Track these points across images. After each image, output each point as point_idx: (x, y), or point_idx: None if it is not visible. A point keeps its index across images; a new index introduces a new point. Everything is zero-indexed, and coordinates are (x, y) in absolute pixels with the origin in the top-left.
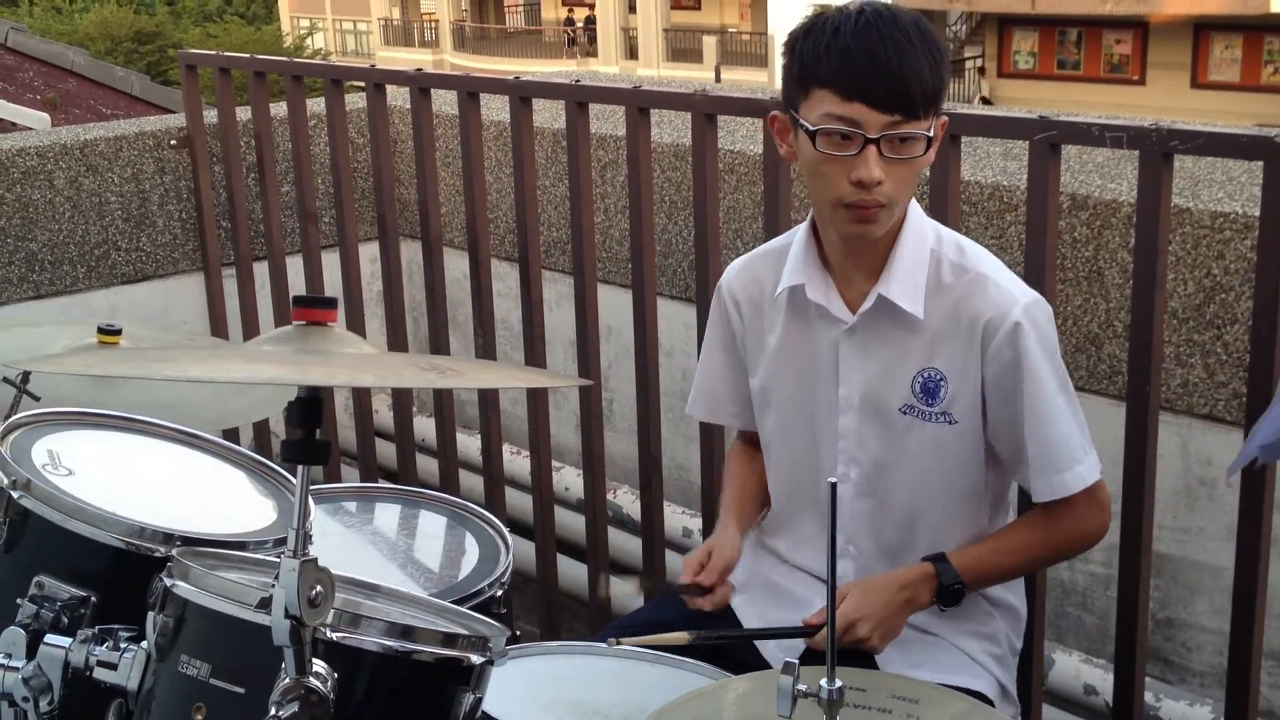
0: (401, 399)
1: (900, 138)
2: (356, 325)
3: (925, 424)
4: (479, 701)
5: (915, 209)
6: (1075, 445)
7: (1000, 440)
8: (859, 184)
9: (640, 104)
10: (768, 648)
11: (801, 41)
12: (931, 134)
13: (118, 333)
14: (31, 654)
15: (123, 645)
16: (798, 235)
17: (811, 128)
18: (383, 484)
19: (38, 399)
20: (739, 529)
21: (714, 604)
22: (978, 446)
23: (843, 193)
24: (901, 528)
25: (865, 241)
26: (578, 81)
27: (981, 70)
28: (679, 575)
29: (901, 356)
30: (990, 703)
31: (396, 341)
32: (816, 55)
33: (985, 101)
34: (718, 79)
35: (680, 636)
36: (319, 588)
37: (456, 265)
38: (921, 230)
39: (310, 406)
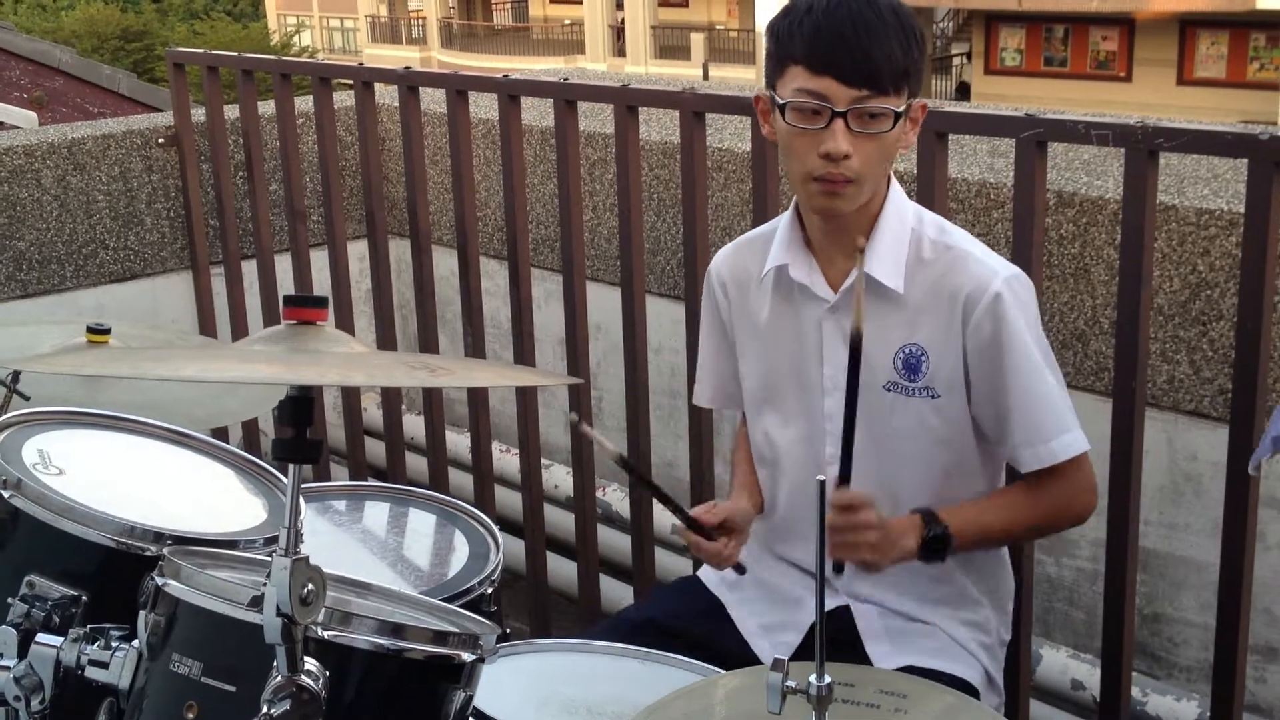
0: (391, 397)
1: (869, 113)
2: (345, 324)
3: (909, 399)
4: (470, 699)
5: (897, 191)
6: (1062, 415)
7: (984, 414)
8: (827, 156)
9: (628, 102)
10: (756, 642)
11: (780, 22)
12: (901, 110)
13: (107, 332)
14: (23, 653)
15: (114, 644)
16: (783, 219)
17: (783, 101)
18: (372, 482)
19: (27, 398)
20: (750, 502)
21: (715, 555)
22: (964, 420)
23: (812, 166)
24: (896, 506)
25: (836, 216)
26: (566, 80)
27: (968, 56)
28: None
29: (882, 333)
30: (975, 691)
31: (385, 340)
32: (791, 33)
33: (962, 85)
34: (705, 76)
35: (611, 450)
36: (310, 586)
37: (445, 263)
38: (903, 211)
39: (301, 405)
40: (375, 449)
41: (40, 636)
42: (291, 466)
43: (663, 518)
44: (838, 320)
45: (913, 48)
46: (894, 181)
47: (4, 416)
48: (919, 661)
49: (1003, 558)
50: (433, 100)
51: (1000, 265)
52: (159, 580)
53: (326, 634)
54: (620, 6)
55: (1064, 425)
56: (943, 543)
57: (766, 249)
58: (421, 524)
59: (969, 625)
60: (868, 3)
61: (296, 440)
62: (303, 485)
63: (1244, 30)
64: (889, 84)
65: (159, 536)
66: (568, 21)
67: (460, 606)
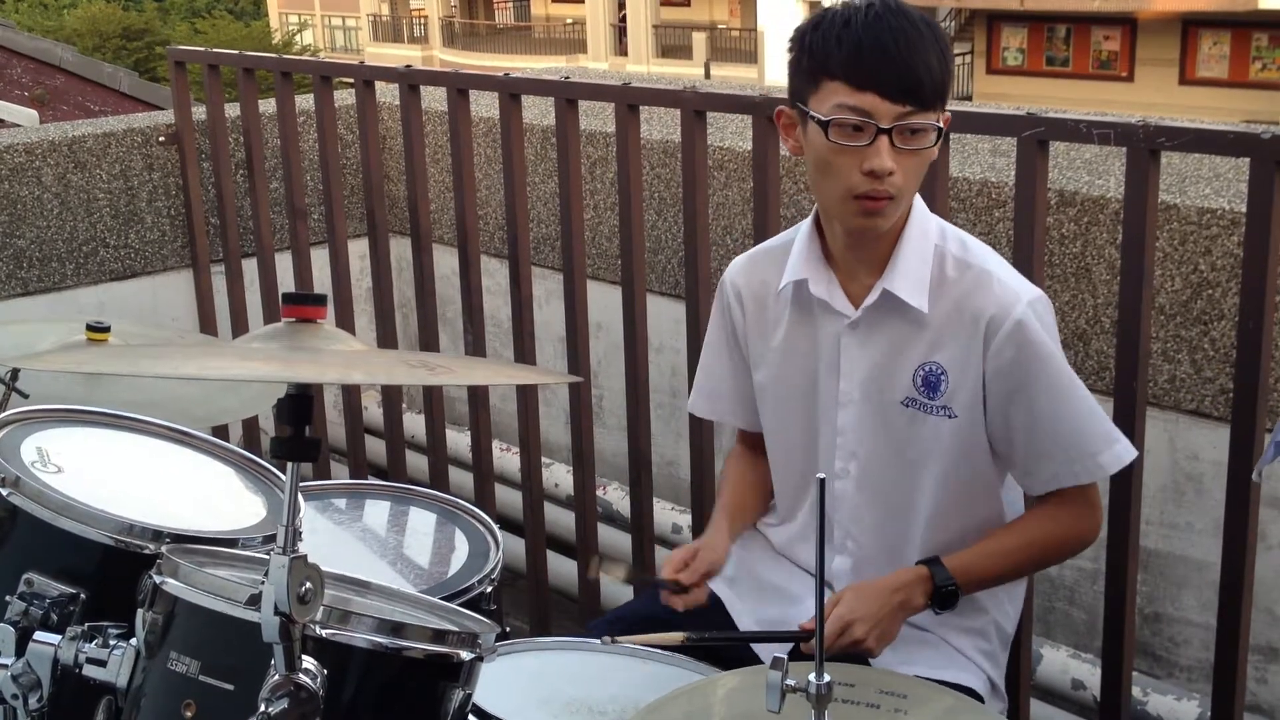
0: (391, 396)
1: (911, 129)
2: (346, 322)
3: (927, 417)
4: (469, 698)
5: (920, 205)
6: (1095, 436)
7: (997, 435)
8: (871, 174)
9: (629, 101)
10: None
11: (811, 34)
12: (941, 125)
13: (107, 330)
14: (21, 651)
15: (112, 642)
16: (801, 231)
17: (824, 119)
18: (372, 481)
19: (26, 396)
20: (730, 533)
21: (687, 604)
22: (979, 441)
23: (854, 183)
24: (902, 522)
25: (872, 235)
26: (567, 78)
27: (970, 55)
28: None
29: (902, 350)
30: (980, 698)
31: (386, 338)
32: (828, 48)
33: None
34: (707, 75)
35: (674, 637)
36: (308, 584)
37: (446, 262)
38: (926, 226)
39: (300, 404)
40: (376, 447)
41: (38, 634)
42: (290, 465)
43: (662, 516)
44: (857, 335)
45: (946, 59)
46: (917, 196)
47: (3, 414)
48: (923, 672)
49: None
50: (434, 99)
51: (1023, 288)
52: (157, 578)
53: (325, 632)
54: (622, 5)
55: (1110, 435)
56: (952, 595)
57: (783, 261)
58: (422, 522)
59: (970, 633)
60: (905, 16)
61: (295, 439)
62: (303, 483)
63: (1246, 30)
64: (931, 99)
65: (158, 535)
66: (569, 20)
67: (460, 605)
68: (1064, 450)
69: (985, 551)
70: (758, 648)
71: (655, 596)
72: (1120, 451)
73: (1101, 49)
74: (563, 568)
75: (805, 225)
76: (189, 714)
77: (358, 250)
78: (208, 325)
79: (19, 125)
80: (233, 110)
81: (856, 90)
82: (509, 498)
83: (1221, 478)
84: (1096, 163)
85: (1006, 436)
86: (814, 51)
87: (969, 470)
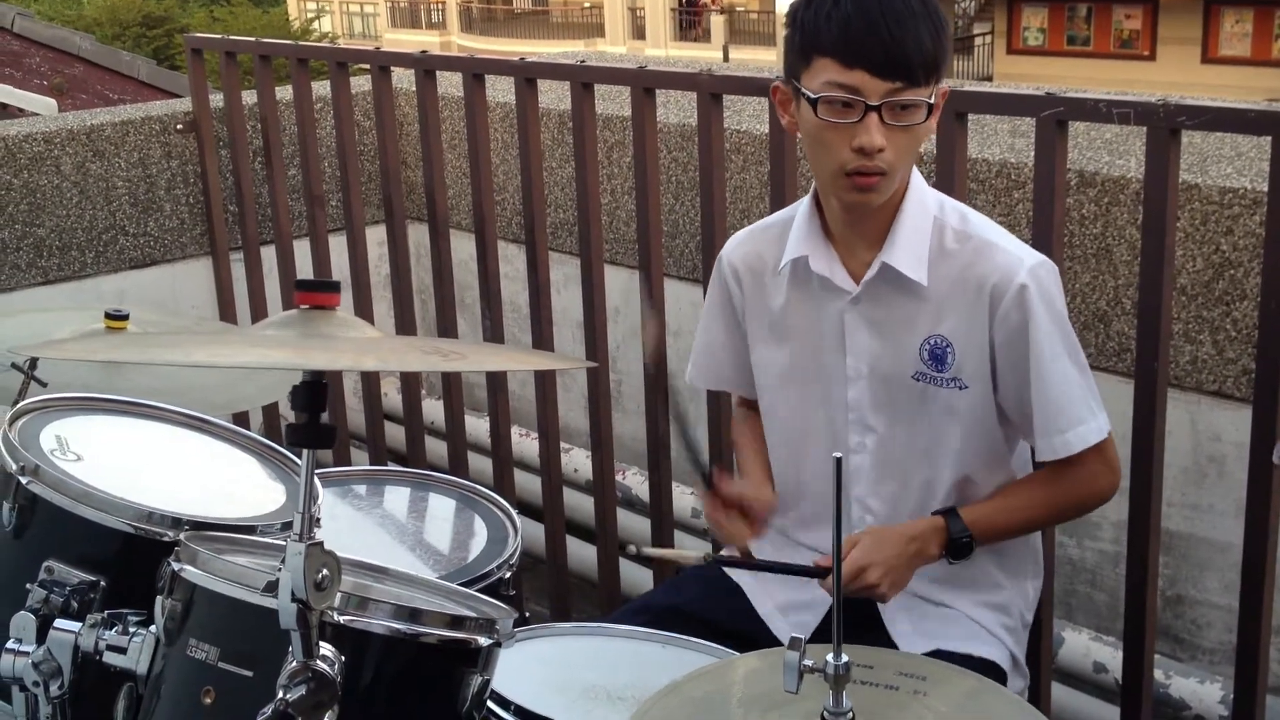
0: (410, 382)
1: (901, 105)
2: (365, 308)
3: (939, 390)
4: (486, 683)
5: (918, 179)
6: (1078, 404)
7: (1008, 402)
8: (860, 151)
9: (645, 84)
10: (774, 623)
11: (803, 11)
12: (932, 101)
13: (125, 318)
14: (41, 639)
15: (132, 629)
16: (800, 208)
17: (813, 95)
18: (392, 467)
19: (45, 384)
20: (769, 480)
21: (734, 536)
22: (990, 410)
23: (845, 160)
24: (917, 495)
25: (866, 210)
26: (583, 62)
27: (990, 35)
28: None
29: (907, 324)
30: (1002, 671)
31: (405, 324)
32: (818, 24)
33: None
34: (726, 58)
35: (694, 556)
36: (325, 571)
37: (464, 247)
38: (924, 199)
39: (314, 390)
40: (395, 433)
41: (58, 622)
42: (305, 451)
43: (682, 501)
44: (860, 311)
45: (941, 35)
46: (914, 169)
47: (22, 403)
48: (946, 645)
49: (1028, 540)
50: (450, 84)
51: (1025, 254)
52: (176, 566)
53: (343, 618)
54: None
55: (1079, 417)
56: (966, 546)
57: (782, 238)
58: (441, 508)
59: (991, 608)
60: None
61: (310, 425)
62: (323, 470)
63: (1269, 8)
64: (921, 75)
65: (177, 522)
66: (587, 4)
67: (479, 590)
68: (1040, 422)
69: (1001, 505)
70: (777, 629)
71: (679, 588)
72: (1085, 432)
73: (1123, 28)
74: (582, 553)
75: (804, 202)
76: (208, 701)
77: (376, 237)
78: (227, 313)
79: (38, 114)
80: (250, 97)
81: (845, 68)
82: (528, 483)
83: (1244, 459)
84: (1117, 143)
85: (1018, 403)
86: (805, 28)
87: (982, 440)
